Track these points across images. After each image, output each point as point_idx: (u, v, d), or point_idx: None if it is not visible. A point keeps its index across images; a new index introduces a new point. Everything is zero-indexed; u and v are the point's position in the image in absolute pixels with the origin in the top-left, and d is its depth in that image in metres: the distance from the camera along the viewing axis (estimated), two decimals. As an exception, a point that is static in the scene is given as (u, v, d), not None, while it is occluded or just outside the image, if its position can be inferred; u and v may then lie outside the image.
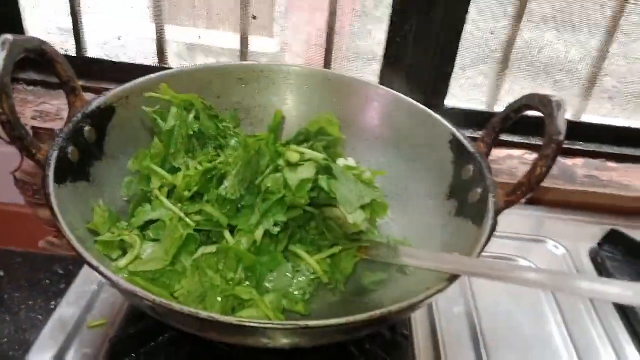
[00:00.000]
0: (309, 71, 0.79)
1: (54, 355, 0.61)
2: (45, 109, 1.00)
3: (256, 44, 1.09)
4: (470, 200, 0.62)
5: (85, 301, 0.68)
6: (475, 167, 0.63)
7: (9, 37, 0.56)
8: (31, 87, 1.04)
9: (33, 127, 0.96)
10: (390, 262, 0.59)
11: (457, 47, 0.96)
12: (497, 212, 0.57)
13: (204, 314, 0.44)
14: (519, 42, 0.96)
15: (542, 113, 0.57)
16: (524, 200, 0.58)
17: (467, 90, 1.05)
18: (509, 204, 0.58)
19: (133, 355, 0.60)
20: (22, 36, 0.57)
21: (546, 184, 0.76)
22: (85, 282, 0.72)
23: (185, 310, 0.44)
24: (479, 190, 0.61)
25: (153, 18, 1.01)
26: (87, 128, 0.63)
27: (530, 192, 0.57)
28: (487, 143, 0.65)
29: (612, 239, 0.87)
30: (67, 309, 0.67)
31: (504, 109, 0.64)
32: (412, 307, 0.47)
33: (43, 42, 0.61)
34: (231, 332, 0.47)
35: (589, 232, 0.90)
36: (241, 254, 0.55)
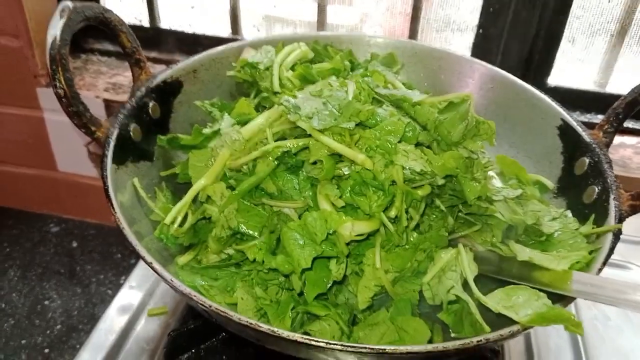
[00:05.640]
0: (393, 43, 0.70)
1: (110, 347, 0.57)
2: (118, 81, 0.97)
3: (334, 15, 1.02)
4: (585, 201, 0.52)
5: (148, 285, 0.64)
6: (592, 160, 0.53)
7: (69, 3, 0.51)
8: (105, 58, 1.02)
9: (105, 100, 0.94)
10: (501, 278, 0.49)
11: (566, 16, 0.83)
12: (621, 219, 0.47)
13: (264, 326, 0.38)
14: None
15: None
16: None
17: (574, 66, 0.92)
18: (634, 210, 0.48)
19: (192, 351, 0.55)
20: (83, 2, 0.52)
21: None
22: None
23: (244, 321, 0.38)
24: (597, 189, 0.51)
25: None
26: (151, 103, 0.59)
27: (664, 197, 0.46)
28: (607, 132, 0.54)
29: None
30: (128, 292, 0.63)
31: (629, 91, 0.53)
32: (513, 335, 0.39)
33: (106, 10, 0.56)
34: (295, 348, 0.41)
35: None
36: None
